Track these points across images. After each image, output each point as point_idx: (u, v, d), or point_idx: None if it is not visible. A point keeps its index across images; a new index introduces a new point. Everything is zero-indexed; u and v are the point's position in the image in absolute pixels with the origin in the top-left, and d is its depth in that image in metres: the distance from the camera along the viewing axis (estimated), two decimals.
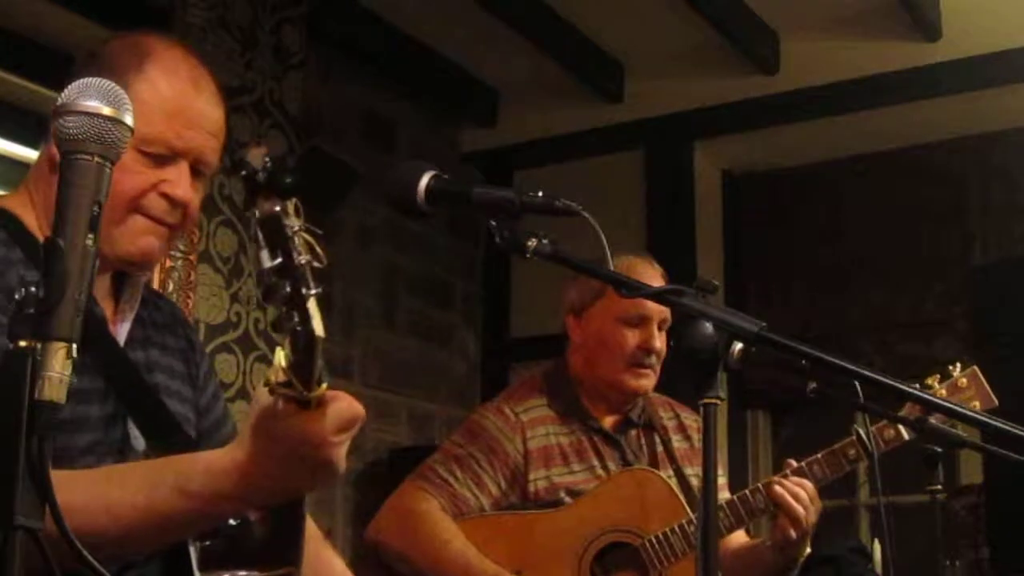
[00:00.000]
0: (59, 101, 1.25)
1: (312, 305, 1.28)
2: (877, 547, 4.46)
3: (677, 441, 2.97)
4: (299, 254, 1.27)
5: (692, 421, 3.01)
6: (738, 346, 1.55)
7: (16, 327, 1.18)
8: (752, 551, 2.84)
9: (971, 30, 4.81)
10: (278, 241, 1.27)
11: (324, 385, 1.38)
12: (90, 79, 1.27)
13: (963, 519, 4.31)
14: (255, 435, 1.43)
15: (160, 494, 1.48)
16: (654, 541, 2.74)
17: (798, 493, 2.67)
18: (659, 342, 2.90)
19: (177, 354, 1.90)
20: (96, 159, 1.24)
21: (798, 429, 5.56)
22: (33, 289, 1.18)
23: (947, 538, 3.32)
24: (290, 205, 1.28)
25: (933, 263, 5.17)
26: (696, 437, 2.98)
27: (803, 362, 1.57)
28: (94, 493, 1.49)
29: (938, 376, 2.71)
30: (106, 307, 1.80)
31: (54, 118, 1.25)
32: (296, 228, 1.28)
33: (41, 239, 1.63)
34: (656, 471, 2.88)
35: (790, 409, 5.48)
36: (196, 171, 1.77)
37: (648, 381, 2.91)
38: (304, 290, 1.27)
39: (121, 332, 1.80)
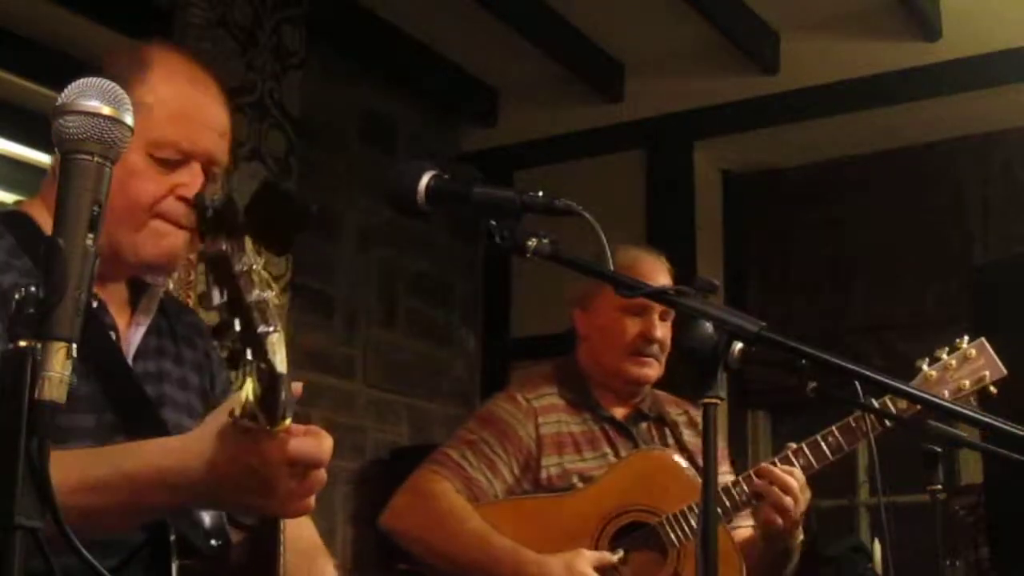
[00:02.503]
0: (59, 101, 1.25)
1: (273, 341, 1.29)
2: (877, 547, 4.47)
3: (688, 436, 2.98)
4: (250, 292, 1.28)
5: (701, 418, 3.00)
6: (738, 346, 1.55)
7: (16, 327, 1.18)
8: (745, 544, 2.84)
9: (971, 30, 4.81)
10: (225, 279, 1.28)
11: (288, 421, 1.38)
12: (90, 79, 1.27)
13: (963, 519, 4.31)
14: (210, 434, 1.44)
15: (97, 470, 1.48)
16: (672, 519, 2.73)
17: (786, 481, 2.64)
18: (660, 331, 2.90)
19: (193, 368, 1.91)
20: (96, 159, 1.24)
21: (798, 429, 5.55)
22: (33, 289, 1.18)
23: (947, 538, 3.32)
24: (246, 241, 1.29)
25: (933, 263, 5.17)
26: None
27: (803, 362, 1.57)
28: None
29: (947, 348, 2.71)
30: (120, 316, 1.81)
31: (54, 118, 1.25)
32: (248, 266, 1.28)
33: None
34: (665, 449, 2.89)
35: (790, 409, 5.48)
36: (208, 172, 1.79)
37: (651, 370, 2.92)
38: (261, 327, 1.28)
39: (133, 341, 1.81)
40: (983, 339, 2.71)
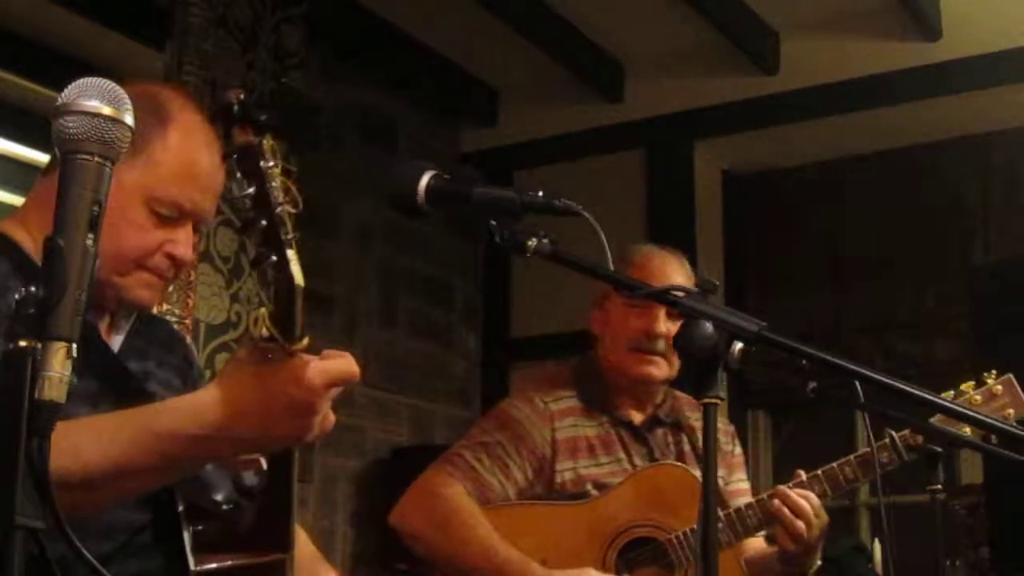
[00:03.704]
0: (59, 101, 1.25)
1: (291, 253, 1.30)
2: (877, 547, 4.47)
3: None
4: (275, 190, 1.29)
5: (722, 424, 2.98)
6: (738, 346, 1.55)
7: (16, 327, 1.18)
8: (763, 559, 2.82)
9: (971, 30, 4.81)
10: (253, 171, 1.30)
11: (305, 340, 1.39)
12: (90, 79, 1.27)
13: (963, 519, 4.31)
14: (234, 375, 1.44)
15: (126, 433, 1.48)
16: (681, 537, 2.71)
17: (800, 506, 2.62)
18: (665, 327, 2.81)
19: (175, 370, 1.92)
20: (96, 159, 1.24)
21: (798, 429, 5.56)
22: (33, 289, 1.18)
23: (947, 538, 3.32)
24: (266, 144, 1.30)
25: (933, 263, 5.17)
26: (723, 440, 2.96)
27: (803, 362, 1.57)
28: (62, 435, 1.49)
29: (973, 384, 2.69)
30: (100, 319, 1.82)
31: (54, 118, 1.25)
32: (272, 165, 1.30)
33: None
34: (684, 466, 2.86)
35: (790, 409, 5.48)
36: (196, 228, 1.82)
37: (655, 368, 2.84)
38: (284, 234, 1.29)
39: (115, 343, 1.83)
40: (1011, 376, 2.68)
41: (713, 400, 1.54)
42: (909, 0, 4.74)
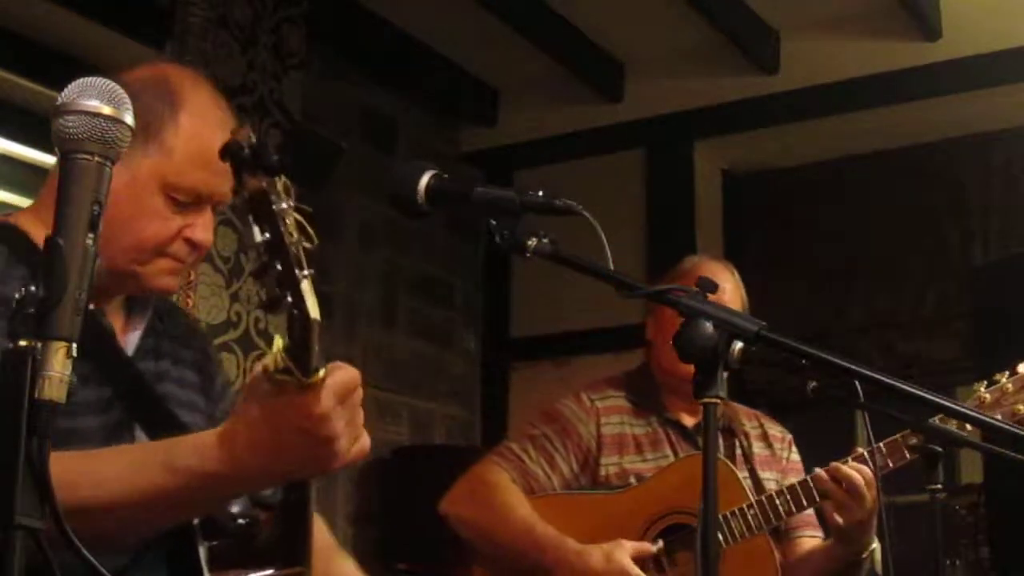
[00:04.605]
0: (59, 100, 1.25)
1: (306, 287, 1.28)
2: (877, 547, 4.47)
3: (758, 448, 2.97)
4: (289, 232, 1.27)
5: (778, 432, 3.03)
6: (738, 345, 1.55)
7: (16, 326, 1.18)
8: (819, 550, 2.85)
9: (971, 30, 4.81)
10: (266, 217, 1.27)
11: (321, 372, 1.36)
12: (90, 78, 1.27)
13: (963, 519, 4.31)
14: (248, 410, 1.41)
15: (147, 471, 1.47)
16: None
17: (850, 476, 2.62)
18: None
19: (191, 366, 1.90)
20: (96, 158, 1.24)
21: (798, 429, 5.55)
22: (33, 288, 1.18)
23: (947, 538, 3.32)
24: (278, 183, 1.28)
25: (933, 263, 5.17)
26: (778, 447, 3.00)
27: (803, 362, 1.57)
28: (84, 470, 1.48)
29: (985, 383, 2.69)
30: (116, 319, 1.81)
31: (54, 118, 1.25)
32: (284, 207, 1.27)
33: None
34: (723, 458, 2.86)
35: (790, 409, 5.48)
36: (215, 210, 1.80)
37: None
38: (297, 271, 1.27)
39: (131, 343, 1.81)
40: (1022, 371, 2.68)
41: (713, 399, 1.54)
42: (909, 0, 4.74)
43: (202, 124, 1.75)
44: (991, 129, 5.08)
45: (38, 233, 1.74)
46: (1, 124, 4.31)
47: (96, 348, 1.69)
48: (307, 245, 1.29)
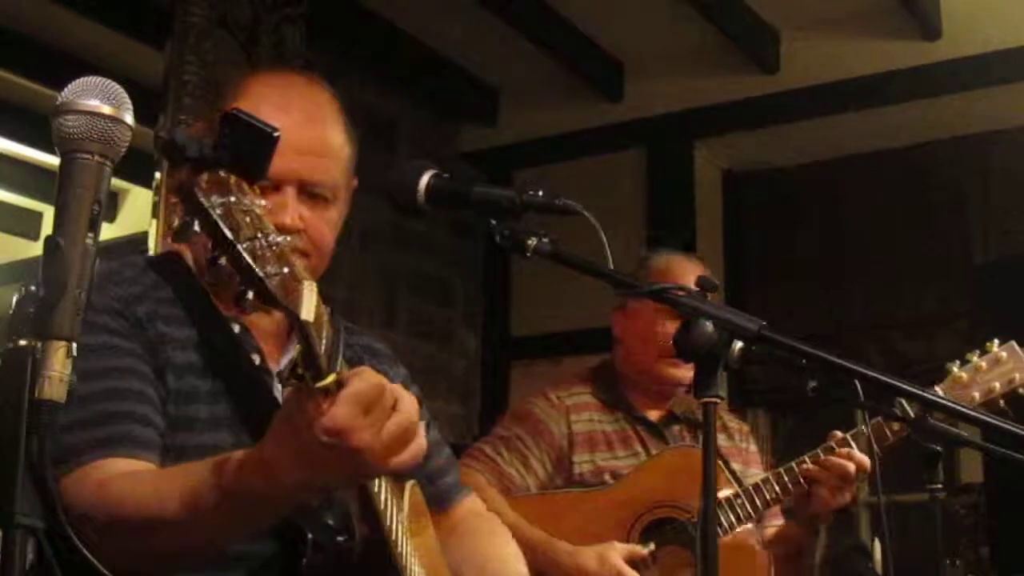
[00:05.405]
0: (59, 100, 1.25)
1: (294, 287, 1.22)
2: (877, 546, 4.47)
3: (721, 439, 2.99)
4: (237, 229, 1.21)
5: (735, 423, 3.08)
6: (738, 345, 1.55)
7: (16, 326, 1.18)
8: (782, 535, 2.88)
9: (971, 30, 4.81)
10: (195, 210, 1.22)
11: (333, 375, 1.29)
12: (90, 78, 1.27)
13: (963, 519, 4.31)
14: (278, 429, 1.38)
15: (200, 490, 1.45)
16: None
17: (843, 465, 2.65)
18: None
19: None
20: (96, 158, 1.24)
21: (798, 428, 5.56)
22: (33, 288, 1.18)
23: (947, 538, 3.32)
24: (230, 179, 1.24)
25: (933, 263, 5.17)
26: (738, 438, 3.05)
27: (803, 361, 1.57)
28: (152, 487, 1.49)
29: (977, 352, 2.71)
30: (267, 342, 1.79)
31: (54, 117, 1.25)
32: (230, 202, 1.23)
33: (195, 276, 1.74)
34: (699, 448, 2.87)
35: (790, 408, 5.48)
36: (312, 194, 1.78)
37: (687, 372, 2.89)
38: (265, 268, 1.20)
39: (281, 364, 1.78)
40: (1014, 343, 2.71)
41: (713, 399, 1.54)
42: (909, 0, 4.74)
43: (261, 105, 1.72)
44: (991, 129, 5.08)
45: (190, 258, 1.80)
46: (1, 124, 4.31)
47: (232, 368, 1.71)
48: (278, 240, 1.23)
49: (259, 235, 1.22)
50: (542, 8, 4.97)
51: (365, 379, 1.34)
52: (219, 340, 1.73)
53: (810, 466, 2.69)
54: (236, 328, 1.76)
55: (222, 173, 1.25)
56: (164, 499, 1.46)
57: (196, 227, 1.22)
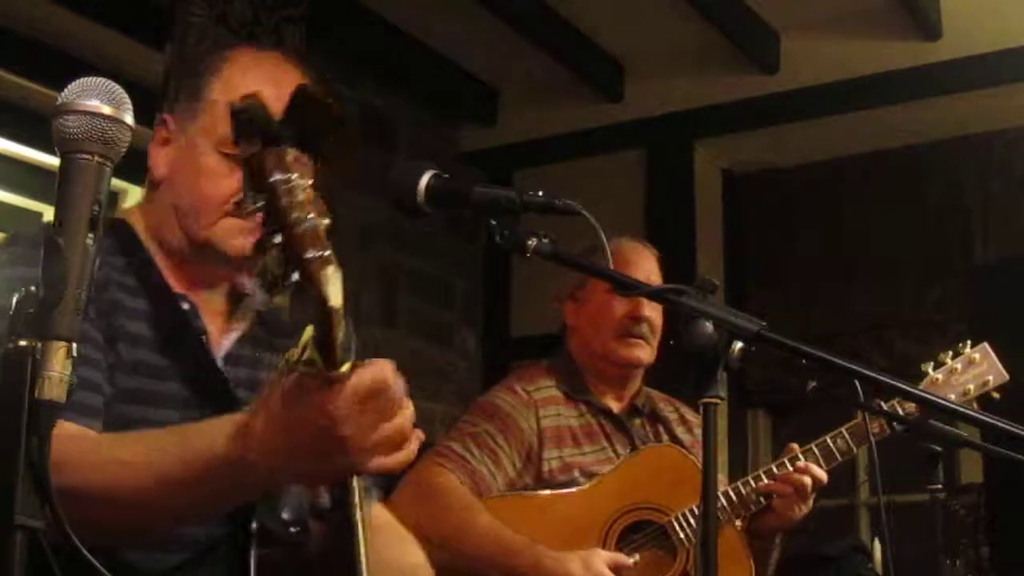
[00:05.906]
0: (59, 100, 1.25)
1: (328, 272, 1.21)
2: (877, 546, 4.47)
3: (681, 432, 2.99)
4: (292, 206, 1.21)
5: (692, 416, 3.03)
6: (738, 345, 1.55)
7: (16, 326, 1.18)
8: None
9: (971, 30, 4.81)
10: (260, 184, 1.22)
11: (347, 365, 1.28)
12: (90, 78, 1.27)
13: (963, 519, 4.31)
14: (269, 401, 1.36)
15: (164, 454, 1.44)
16: (681, 518, 2.73)
17: (802, 483, 2.69)
18: (649, 310, 2.89)
19: None
20: (96, 158, 1.24)
21: (798, 429, 5.55)
22: (33, 288, 1.18)
23: (947, 538, 3.32)
24: (288, 155, 1.24)
25: (933, 263, 5.17)
26: (697, 431, 3.00)
27: (803, 362, 1.57)
28: (111, 452, 1.48)
29: (950, 353, 2.72)
30: (213, 322, 1.79)
31: (54, 117, 1.25)
32: (290, 178, 1.22)
33: (146, 247, 1.72)
34: (677, 447, 2.88)
35: (790, 409, 5.48)
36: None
37: (641, 352, 2.91)
38: (310, 252, 1.20)
39: (224, 346, 1.79)
40: (986, 344, 2.72)
41: (713, 400, 1.54)
42: (909, 0, 4.74)
43: (248, 75, 1.74)
44: (991, 129, 5.07)
45: (141, 228, 1.79)
46: (1, 124, 4.31)
47: (180, 346, 1.71)
48: (323, 222, 1.24)
49: (309, 216, 1.23)
50: (542, 8, 4.96)
51: (371, 371, 1.32)
52: (168, 315, 1.73)
53: (767, 481, 2.70)
54: (185, 305, 1.76)
55: (284, 149, 1.25)
56: (125, 464, 1.44)
57: (255, 203, 1.22)
